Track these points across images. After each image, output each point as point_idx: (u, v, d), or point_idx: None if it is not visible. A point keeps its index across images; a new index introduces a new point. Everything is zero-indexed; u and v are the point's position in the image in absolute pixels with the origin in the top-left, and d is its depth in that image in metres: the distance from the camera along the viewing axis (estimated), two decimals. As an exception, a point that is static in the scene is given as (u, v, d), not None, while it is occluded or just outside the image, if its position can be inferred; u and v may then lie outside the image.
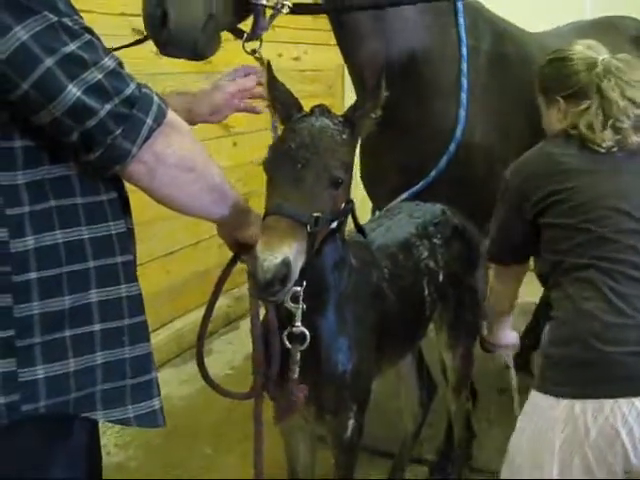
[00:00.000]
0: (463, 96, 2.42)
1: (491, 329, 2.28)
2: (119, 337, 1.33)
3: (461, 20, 2.46)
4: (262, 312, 1.77)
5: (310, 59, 4.82)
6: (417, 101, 2.41)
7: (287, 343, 1.68)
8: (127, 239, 1.36)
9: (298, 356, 1.69)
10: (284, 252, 1.44)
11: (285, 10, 2.05)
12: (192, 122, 1.77)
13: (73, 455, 1.32)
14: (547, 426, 1.60)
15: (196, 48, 1.95)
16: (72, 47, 1.15)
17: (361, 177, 2.74)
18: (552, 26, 3.33)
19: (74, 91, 1.14)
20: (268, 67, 1.71)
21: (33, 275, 1.21)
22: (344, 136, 1.61)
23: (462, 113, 2.42)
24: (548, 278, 1.84)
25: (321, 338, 1.75)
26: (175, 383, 3.63)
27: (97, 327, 1.29)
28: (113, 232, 1.31)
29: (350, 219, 1.75)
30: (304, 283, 1.62)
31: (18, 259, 1.19)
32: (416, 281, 2.11)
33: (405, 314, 2.05)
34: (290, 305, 1.65)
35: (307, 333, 1.68)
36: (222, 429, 3.21)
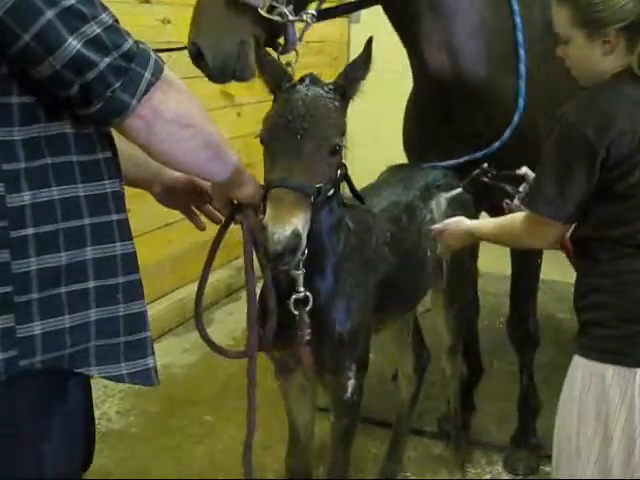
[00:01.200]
0: (522, 67, 2.38)
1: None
2: (113, 294, 1.34)
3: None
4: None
5: (314, 31, 4.78)
6: (473, 73, 2.38)
7: (294, 310, 1.71)
8: (121, 198, 1.36)
9: (307, 319, 1.72)
10: (293, 224, 1.49)
11: (312, 20, 2.08)
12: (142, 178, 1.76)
13: (69, 410, 1.34)
14: (622, 398, 1.58)
15: (235, 75, 2.02)
16: (72, 1, 1.16)
17: (405, 145, 2.71)
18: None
19: (74, 44, 1.15)
20: (256, 41, 1.73)
21: (30, 231, 1.22)
22: (337, 103, 1.65)
23: (522, 84, 2.38)
24: (594, 246, 1.67)
25: (319, 299, 1.77)
26: (177, 352, 3.65)
27: (92, 284, 1.30)
28: (108, 190, 1.32)
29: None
30: (306, 250, 1.63)
31: (15, 214, 1.20)
32: (418, 243, 2.13)
33: (406, 276, 2.08)
34: (292, 272, 1.68)
35: (310, 296, 1.71)
36: (222, 398, 3.23)
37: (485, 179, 2.07)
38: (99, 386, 3.29)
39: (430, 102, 2.52)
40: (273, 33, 2.06)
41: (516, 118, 2.38)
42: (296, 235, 1.49)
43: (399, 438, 2.70)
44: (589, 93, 1.68)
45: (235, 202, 1.67)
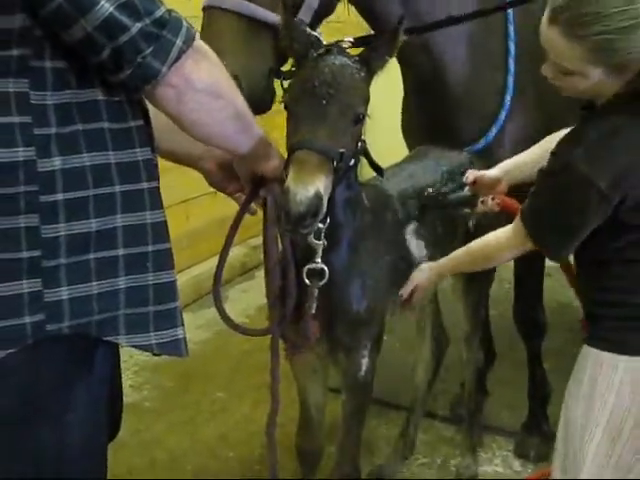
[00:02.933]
0: (510, 62, 2.32)
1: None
2: (143, 263, 1.34)
3: None
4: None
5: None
6: (464, 64, 2.34)
7: (306, 279, 1.70)
8: (153, 166, 1.36)
9: (316, 292, 1.71)
10: (316, 185, 1.49)
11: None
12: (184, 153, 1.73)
13: (96, 378, 1.34)
14: (633, 389, 1.58)
15: (266, 106, 2.02)
16: None
17: (403, 130, 2.70)
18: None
19: (107, 6, 1.15)
20: (284, 5, 1.71)
21: (60, 196, 1.21)
22: (362, 74, 1.65)
23: (510, 80, 2.32)
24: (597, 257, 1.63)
25: (335, 275, 1.76)
26: (191, 328, 3.66)
27: (121, 252, 1.30)
28: (140, 158, 1.32)
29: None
30: (327, 220, 1.64)
31: (45, 179, 1.20)
32: (438, 227, 2.11)
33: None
34: (312, 241, 1.66)
35: (326, 269, 1.70)
36: (235, 375, 3.25)
37: (436, 204, 2.03)
38: (114, 360, 3.32)
39: (415, 95, 2.51)
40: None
41: (500, 119, 2.33)
42: (318, 197, 1.48)
43: (413, 421, 2.70)
44: (600, 137, 1.53)
45: (258, 177, 1.64)
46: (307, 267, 1.70)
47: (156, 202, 1.36)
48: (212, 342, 3.54)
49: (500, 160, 2.03)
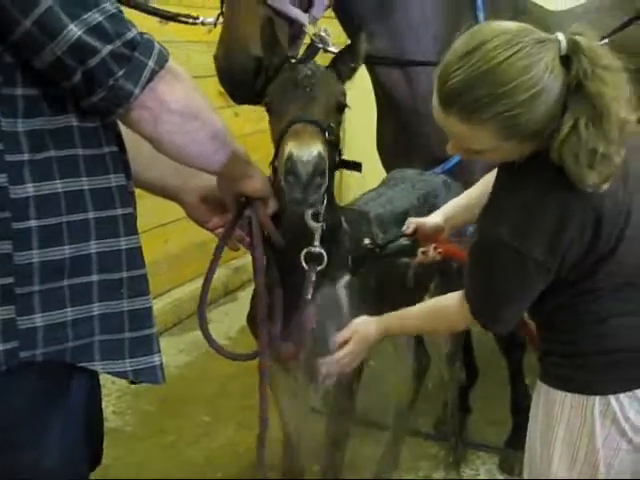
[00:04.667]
0: None
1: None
2: (117, 289, 1.33)
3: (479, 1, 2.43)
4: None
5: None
6: (426, 89, 2.37)
7: (304, 264, 1.69)
8: (127, 193, 1.35)
9: (313, 277, 1.70)
10: (318, 147, 1.52)
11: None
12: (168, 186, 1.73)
13: (72, 405, 1.33)
14: (584, 424, 1.56)
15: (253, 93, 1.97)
16: None
17: (378, 150, 2.73)
18: (564, 6, 3.27)
19: (75, 30, 1.15)
20: (270, 23, 1.76)
21: (33, 223, 1.21)
22: (335, 77, 1.71)
23: None
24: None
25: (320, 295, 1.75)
26: (173, 352, 3.65)
27: (95, 278, 1.29)
28: (114, 184, 1.31)
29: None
30: (325, 201, 1.65)
31: (18, 206, 1.20)
32: (376, 278, 2.03)
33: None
34: (311, 224, 1.66)
35: (325, 255, 1.69)
36: (218, 398, 3.23)
37: (373, 254, 1.90)
38: (95, 385, 3.29)
39: (389, 115, 2.54)
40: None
41: None
42: (321, 157, 1.51)
43: (396, 441, 2.70)
44: (522, 205, 1.45)
45: (242, 199, 1.64)
46: (305, 251, 1.69)
47: (131, 228, 1.35)
48: (194, 366, 3.52)
49: (474, 177, 2.04)
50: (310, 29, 2.09)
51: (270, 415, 1.72)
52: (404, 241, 1.91)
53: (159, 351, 1.41)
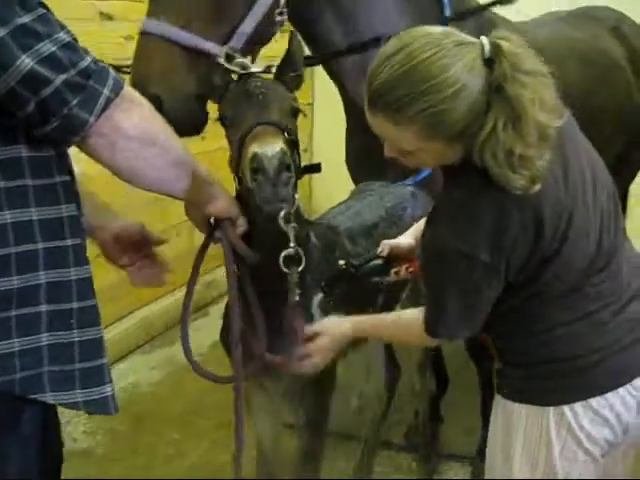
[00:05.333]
0: None
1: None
2: (67, 320, 1.32)
3: (447, 12, 2.45)
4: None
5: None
6: None
7: (283, 267, 1.69)
8: (79, 223, 1.35)
9: (296, 279, 1.69)
10: (280, 144, 1.52)
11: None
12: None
13: (23, 437, 1.32)
14: (540, 434, 1.56)
15: (191, 130, 2.07)
16: (25, 19, 1.16)
17: (346, 159, 2.74)
18: (527, 17, 3.32)
19: (27, 61, 1.15)
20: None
21: None
22: (283, 87, 1.71)
23: None
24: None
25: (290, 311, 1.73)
26: (144, 370, 3.62)
27: (44, 308, 1.29)
28: (64, 215, 1.31)
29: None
30: (296, 202, 1.65)
31: None
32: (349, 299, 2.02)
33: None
34: (283, 226, 1.66)
35: (302, 254, 1.69)
36: (191, 416, 3.21)
37: (349, 274, 1.88)
38: (65, 406, 3.25)
39: (357, 128, 2.54)
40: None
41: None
42: (284, 152, 1.51)
43: (368, 452, 2.70)
44: (460, 207, 1.46)
45: (211, 220, 1.64)
46: (283, 254, 1.68)
47: (81, 258, 1.35)
48: (166, 383, 3.50)
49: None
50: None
51: (248, 427, 1.71)
52: (377, 262, 1.91)
53: (111, 381, 1.39)
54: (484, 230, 1.43)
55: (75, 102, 1.20)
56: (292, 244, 1.68)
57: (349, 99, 2.45)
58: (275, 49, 2.20)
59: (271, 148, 1.50)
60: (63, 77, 1.18)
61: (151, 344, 3.88)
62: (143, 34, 2.04)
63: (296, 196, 1.65)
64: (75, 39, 1.23)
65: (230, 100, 1.68)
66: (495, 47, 1.37)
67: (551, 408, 1.54)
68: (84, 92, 1.20)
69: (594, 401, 1.53)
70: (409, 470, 2.81)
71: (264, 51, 2.24)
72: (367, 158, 2.56)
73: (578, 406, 1.53)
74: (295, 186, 1.68)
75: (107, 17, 3.48)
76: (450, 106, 1.36)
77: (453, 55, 1.36)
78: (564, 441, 1.55)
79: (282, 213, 1.63)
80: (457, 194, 1.48)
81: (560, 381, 1.55)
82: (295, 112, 1.69)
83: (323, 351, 1.72)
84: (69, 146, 1.29)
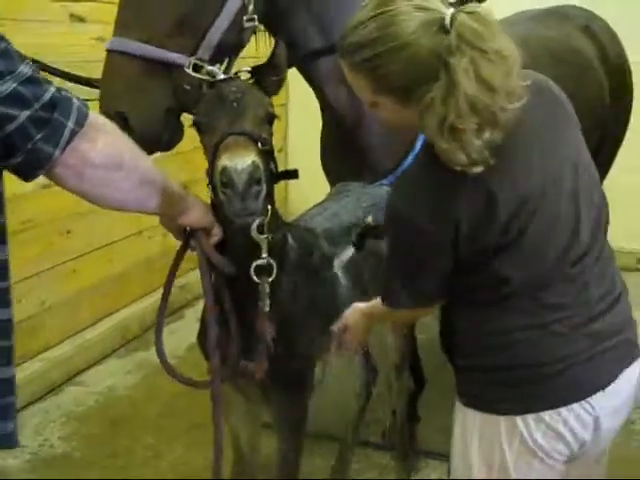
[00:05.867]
0: None
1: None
2: None
3: None
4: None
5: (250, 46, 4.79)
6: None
7: (254, 277, 1.69)
8: (4, 267, 1.35)
9: (267, 289, 1.70)
10: (251, 156, 1.51)
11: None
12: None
13: None
14: (494, 443, 1.55)
15: (161, 147, 2.06)
16: None
17: (322, 164, 2.74)
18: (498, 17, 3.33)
19: None
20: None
21: None
22: (259, 91, 1.70)
23: None
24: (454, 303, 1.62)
25: (274, 315, 1.75)
26: (120, 374, 3.60)
27: None
28: None
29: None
30: (269, 212, 1.65)
31: None
32: (359, 265, 2.13)
33: (349, 296, 2.07)
34: (256, 236, 1.66)
35: (274, 264, 1.70)
36: (167, 419, 3.20)
37: (372, 236, 2.01)
38: (41, 411, 3.23)
39: (333, 131, 2.56)
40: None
41: (418, 144, 2.33)
42: (256, 165, 1.50)
43: (346, 451, 2.71)
44: (411, 173, 1.55)
45: (187, 229, 1.66)
46: (255, 264, 1.69)
47: (2, 301, 1.35)
48: (141, 386, 3.48)
49: None
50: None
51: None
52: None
53: (15, 417, 1.42)
54: (430, 200, 1.45)
55: (39, 137, 1.20)
56: (264, 254, 1.69)
57: (327, 103, 2.45)
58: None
59: (241, 161, 1.49)
60: (27, 113, 1.18)
61: (126, 347, 3.86)
62: (108, 53, 2.04)
63: (269, 207, 1.65)
64: (36, 70, 1.23)
65: (204, 106, 1.66)
66: (452, 18, 1.37)
67: (502, 418, 1.53)
68: (48, 126, 1.21)
69: (546, 415, 1.50)
70: (386, 468, 2.82)
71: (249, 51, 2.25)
72: (343, 160, 2.57)
73: (530, 418, 1.51)
74: (272, 193, 1.69)
75: (78, 19, 3.45)
76: (389, 60, 1.40)
77: (409, 14, 1.38)
78: (517, 451, 1.53)
79: (254, 224, 1.64)
80: (415, 164, 1.54)
81: (513, 390, 1.53)
82: (271, 118, 1.68)
83: (356, 329, 1.85)
84: (34, 178, 1.28)
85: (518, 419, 1.51)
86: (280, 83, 1.76)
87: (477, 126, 1.36)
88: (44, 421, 3.16)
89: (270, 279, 1.71)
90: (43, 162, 1.23)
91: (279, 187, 1.77)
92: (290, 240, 1.86)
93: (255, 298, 1.71)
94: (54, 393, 3.40)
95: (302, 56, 2.33)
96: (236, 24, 2.10)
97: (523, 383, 1.52)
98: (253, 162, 1.50)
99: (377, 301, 1.78)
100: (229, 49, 2.16)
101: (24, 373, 3.27)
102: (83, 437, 3.06)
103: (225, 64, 2.16)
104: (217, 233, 1.67)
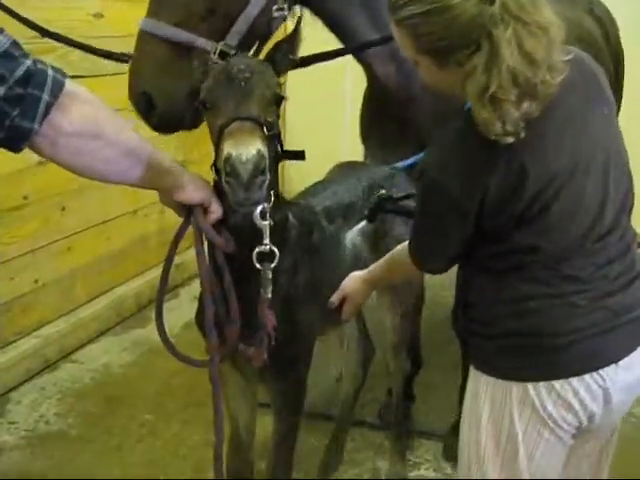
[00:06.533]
0: None
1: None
2: None
3: None
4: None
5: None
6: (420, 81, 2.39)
7: (257, 264, 1.68)
8: None
9: (269, 275, 1.69)
10: (256, 145, 1.49)
11: None
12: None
13: None
14: (504, 409, 1.57)
15: (185, 124, 2.10)
16: None
17: (361, 128, 2.73)
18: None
19: None
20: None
21: None
22: (269, 68, 1.68)
23: None
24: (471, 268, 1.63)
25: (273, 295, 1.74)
26: (116, 351, 3.61)
27: None
28: None
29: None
30: (271, 199, 1.64)
31: None
32: (358, 243, 2.13)
33: (346, 274, 2.06)
34: (259, 222, 1.65)
35: (276, 251, 1.68)
36: (162, 396, 3.20)
37: (387, 206, 2.05)
38: (37, 388, 3.23)
39: (380, 104, 2.55)
40: None
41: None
42: (260, 154, 1.48)
43: (341, 430, 2.72)
44: (447, 141, 1.54)
45: (187, 206, 1.64)
46: (257, 250, 1.67)
47: None
48: (137, 364, 3.48)
49: None
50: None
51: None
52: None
53: None
54: (462, 167, 1.47)
55: (16, 113, 1.21)
56: (267, 241, 1.67)
57: (376, 79, 2.45)
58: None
59: (246, 151, 1.47)
60: (2, 91, 1.18)
61: (122, 325, 3.86)
62: (139, 32, 2.10)
63: (272, 193, 1.64)
64: (13, 42, 1.22)
65: (211, 82, 1.63)
66: None
67: (514, 384, 1.55)
68: (24, 102, 1.21)
69: (558, 384, 1.52)
70: (381, 447, 2.83)
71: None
72: (385, 134, 2.56)
73: (541, 387, 1.53)
74: (276, 178, 1.69)
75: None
76: (431, 20, 1.40)
77: None
78: (528, 419, 1.56)
79: (257, 211, 1.62)
80: (452, 127, 1.53)
81: (527, 358, 1.55)
82: (278, 100, 1.65)
83: (354, 295, 1.90)
84: (22, 150, 1.29)
85: (530, 386, 1.53)
86: (291, 62, 1.74)
87: (516, 98, 1.37)
88: (40, 397, 3.16)
89: (272, 265, 1.69)
90: (25, 136, 1.24)
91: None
92: (291, 219, 1.85)
93: (256, 282, 1.69)
94: (49, 370, 3.40)
95: (355, 46, 2.34)
96: (266, 13, 2.13)
97: (537, 351, 1.54)
98: (258, 151, 1.48)
99: (374, 265, 1.88)
100: (257, 37, 2.19)
101: (18, 350, 3.28)
102: (79, 414, 3.07)
103: (252, 53, 2.18)
104: (215, 210, 1.65)
